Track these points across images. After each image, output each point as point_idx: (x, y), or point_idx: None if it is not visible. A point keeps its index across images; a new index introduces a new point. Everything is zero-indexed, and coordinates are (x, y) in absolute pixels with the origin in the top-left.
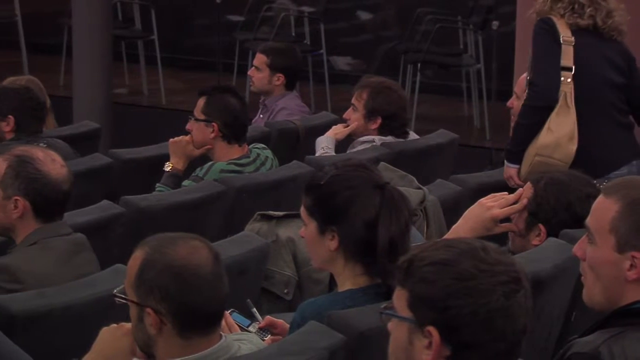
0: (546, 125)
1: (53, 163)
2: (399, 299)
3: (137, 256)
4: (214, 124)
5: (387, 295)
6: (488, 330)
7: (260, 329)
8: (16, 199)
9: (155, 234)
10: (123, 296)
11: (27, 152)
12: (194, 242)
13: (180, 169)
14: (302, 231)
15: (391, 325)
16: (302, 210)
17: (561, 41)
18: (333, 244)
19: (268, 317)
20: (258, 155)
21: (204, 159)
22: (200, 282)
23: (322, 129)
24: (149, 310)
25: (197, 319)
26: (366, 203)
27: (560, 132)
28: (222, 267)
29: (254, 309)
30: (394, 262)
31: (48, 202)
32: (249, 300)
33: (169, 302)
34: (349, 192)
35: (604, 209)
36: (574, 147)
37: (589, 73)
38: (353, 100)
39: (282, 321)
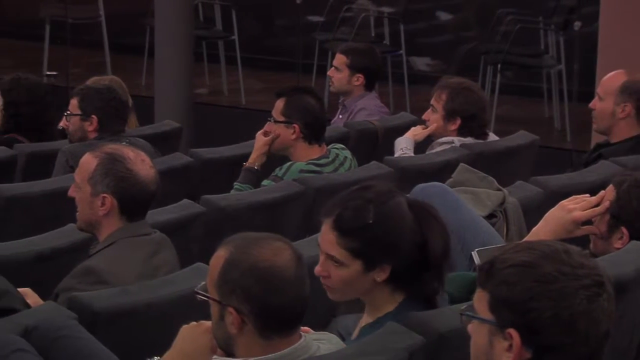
0: None
1: (142, 163)
2: (480, 300)
3: (221, 255)
4: (295, 125)
5: (428, 302)
6: (570, 333)
7: None
8: (104, 196)
9: (236, 233)
10: (204, 294)
11: (118, 151)
12: (278, 244)
13: (251, 162)
14: (319, 270)
15: (471, 327)
16: (340, 253)
17: None
18: (382, 275)
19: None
20: (337, 155)
21: (283, 158)
22: (283, 284)
23: (401, 130)
24: (230, 309)
25: (278, 320)
26: (411, 227)
27: None
28: (304, 269)
29: None
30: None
31: (135, 202)
32: None
33: (252, 303)
34: (399, 224)
35: None
36: None
37: None
38: (432, 101)
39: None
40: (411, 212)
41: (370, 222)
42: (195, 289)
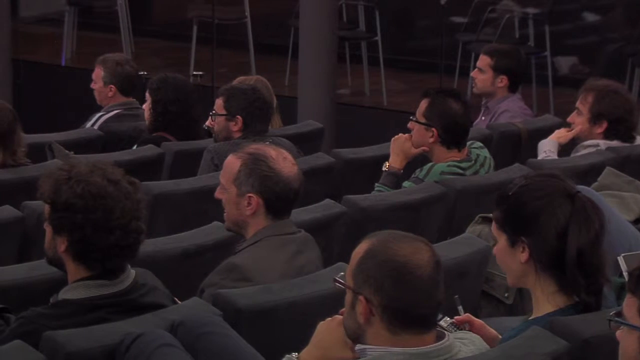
0: None
1: (285, 161)
2: (630, 307)
3: (363, 245)
4: (433, 128)
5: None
6: None
7: (452, 324)
8: (250, 196)
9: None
10: (341, 281)
11: (261, 150)
12: (419, 244)
13: (398, 167)
14: (495, 248)
15: (620, 333)
16: (493, 225)
17: None
18: (524, 256)
19: (468, 314)
20: (477, 156)
21: (423, 159)
22: (415, 283)
23: (545, 132)
24: (361, 298)
25: (405, 318)
26: (556, 212)
27: None
28: (440, 274)
29: (460, 306)
30: (584, 274)
31: (279, 200)
32: (457, 296)
33: (381, 295)
34: (538, 201)
35: None
36: None
37: None
38: (578, 104)
39: (481, 322)
40: (570, 202)
41: (510, 193)
42: (335, 277)
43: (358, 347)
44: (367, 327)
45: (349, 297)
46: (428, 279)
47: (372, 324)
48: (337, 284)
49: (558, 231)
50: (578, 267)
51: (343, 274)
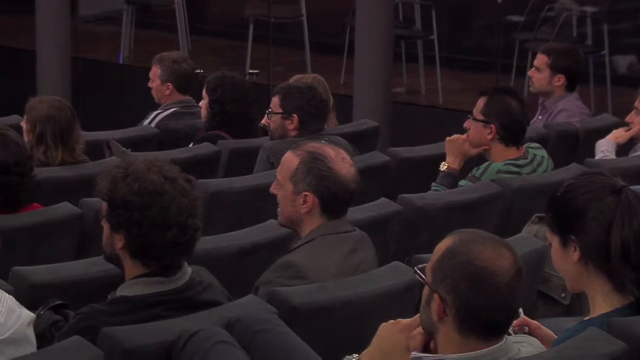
0: None
1: (343, 162)
2: None
3: (446, 241)
4: (492, 125)
5: None
6: None
7: (512, 327)
8: (306, 195)
9: (431, 233)
10: (420, 274)
11: (319, 149)
12: (502, 249)
13: (456, 168)
14: (551, 252)
15: None
16: (547, 229)
17: None
18: (576, 255)
19: (523, 316)
20: (534, 155)
21: (480, 158)
22: (492, 290)
23: (603, 132)
24: (436, 296)
25: (478, 322)
26: (602, 207)
27: None
28: (521, 282)
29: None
30: (632, 267)
31: (335, 200)
32: None
33: (456, 296)
34: (583, 197)
35: None
36: None
37: None
38: (636, 104)
39: (537, 323)
40: (616, 197)
41: (558, 194)
42: (417, 267)
43: (413, 355)
44: (440, 326)
45: (426, 291)
46: (505, 287)
47: (445, 323)
48: (416, 275)
49: (605, 226)
50: (624, 259)
51: (425, 265)
